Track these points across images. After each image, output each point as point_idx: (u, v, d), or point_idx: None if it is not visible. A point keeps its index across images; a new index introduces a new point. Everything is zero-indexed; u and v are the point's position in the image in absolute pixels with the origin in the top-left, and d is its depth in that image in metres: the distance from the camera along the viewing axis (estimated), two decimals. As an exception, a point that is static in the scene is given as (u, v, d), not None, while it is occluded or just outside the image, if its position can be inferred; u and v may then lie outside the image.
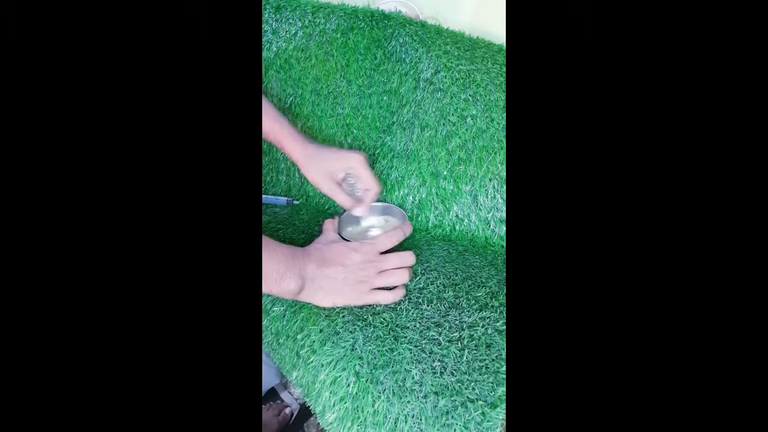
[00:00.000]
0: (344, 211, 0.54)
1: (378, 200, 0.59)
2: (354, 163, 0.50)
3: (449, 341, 0.39)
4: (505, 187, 0.54)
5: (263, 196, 0.64)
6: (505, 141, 0.54)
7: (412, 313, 0.43)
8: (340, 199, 0.52)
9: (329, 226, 0.51)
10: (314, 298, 0.43)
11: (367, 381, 0.37)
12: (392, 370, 0.37)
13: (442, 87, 0.57)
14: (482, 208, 0.55)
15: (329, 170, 0.51)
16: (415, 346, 0.39)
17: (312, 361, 0.41)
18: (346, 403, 0.37)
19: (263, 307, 0.47)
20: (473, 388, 0.35)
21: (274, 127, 0.53)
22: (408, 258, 0.46)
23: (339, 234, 0.50)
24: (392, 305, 0.44)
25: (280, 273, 0.40)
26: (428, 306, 0.44)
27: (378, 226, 0.56)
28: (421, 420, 0.34)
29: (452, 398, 0.34)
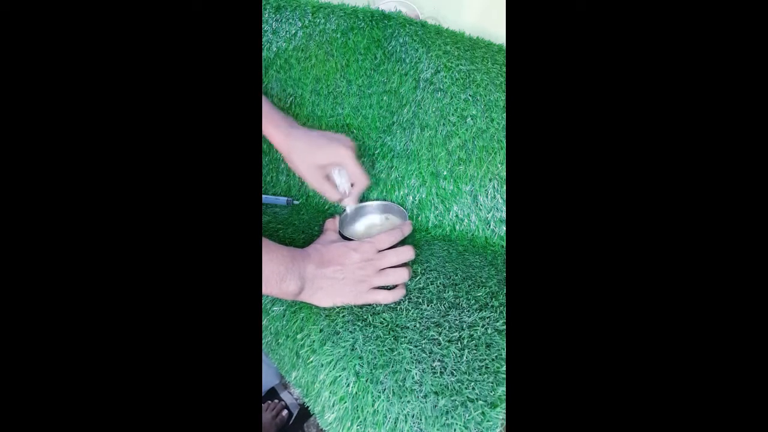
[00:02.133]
0: (345, 210, 0.54)
1: (379, 198, 0.59)
2: (341, 157, 0.49)
3: (449, 341, 0.39)
4: (505, 187, 0.54)
5: (263, 196, 0.64)
6: (505, 141, 0.54)
7: (412, 313, 0.43)
8: (328, 192, 0.51)
9: (330, 225, 0.51)
10: (314, 298, 0.43)
11: (367, 381, 0.37)
12: (392, 370, 0.37)
13: (442, 87, 0.56)
14: (482, 208, 0.55)
15: (316, 164, 0.49)
16: (415, 346, 0.39)
17: (312, 361, 0.41)
18: (345, 403, 0.37)
19: (263, 306, 0.47)
20: (473, 388, 0.35)
21: None
22: (405, 253, 0.46)
23: (340, 233, 0.50)
24: (392, 305, 0.44)
25: (280, 275, 0.40)
26: (428, 306, 0.44)
27: (378, 224, 0.56)
28: (421, 420, 0.34)
29: (452, 398, 0.34)
